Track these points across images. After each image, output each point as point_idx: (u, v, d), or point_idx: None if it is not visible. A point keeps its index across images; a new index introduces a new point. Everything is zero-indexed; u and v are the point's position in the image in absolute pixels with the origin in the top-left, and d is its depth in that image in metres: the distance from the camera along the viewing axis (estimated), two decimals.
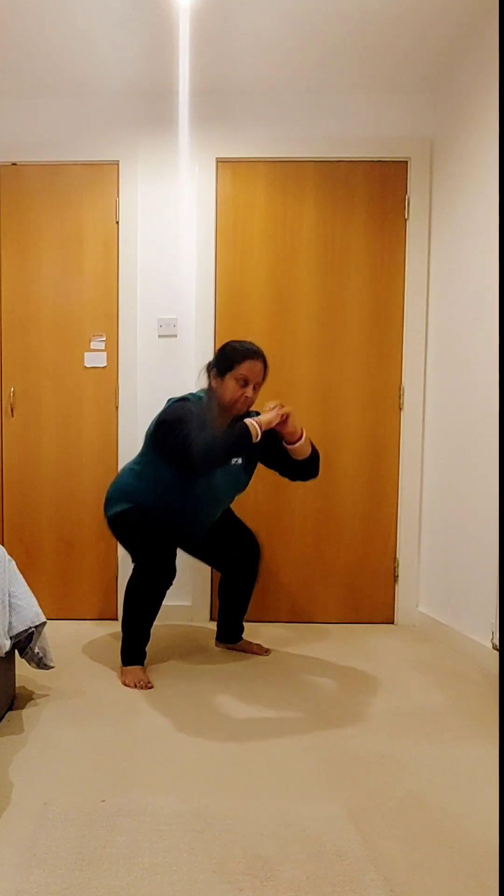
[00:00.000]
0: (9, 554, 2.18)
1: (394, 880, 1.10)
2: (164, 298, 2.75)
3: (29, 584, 1.85)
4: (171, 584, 2.06)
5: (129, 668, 2.05)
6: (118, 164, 2.72)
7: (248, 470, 2.17)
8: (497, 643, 2.11)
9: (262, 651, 2.32)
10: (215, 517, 2.21)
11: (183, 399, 2.10)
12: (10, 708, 1.81)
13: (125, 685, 1.99)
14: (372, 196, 2.72)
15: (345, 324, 2.74)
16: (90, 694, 1.93)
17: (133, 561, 2.09)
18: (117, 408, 2.76)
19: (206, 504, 2.12)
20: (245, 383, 2.01)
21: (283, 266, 2.74)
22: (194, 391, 2.18)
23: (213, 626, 2.66)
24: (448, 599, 2.49)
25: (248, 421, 1.92)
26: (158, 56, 2.46)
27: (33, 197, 2.75)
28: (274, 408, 1.96)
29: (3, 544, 2.78)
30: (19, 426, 2.79)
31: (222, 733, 1.67)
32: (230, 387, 2.02)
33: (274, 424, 1.94)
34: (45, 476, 2.79)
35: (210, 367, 2.11)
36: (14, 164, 2.74)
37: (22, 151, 2.73)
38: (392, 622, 2.77)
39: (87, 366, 2.76)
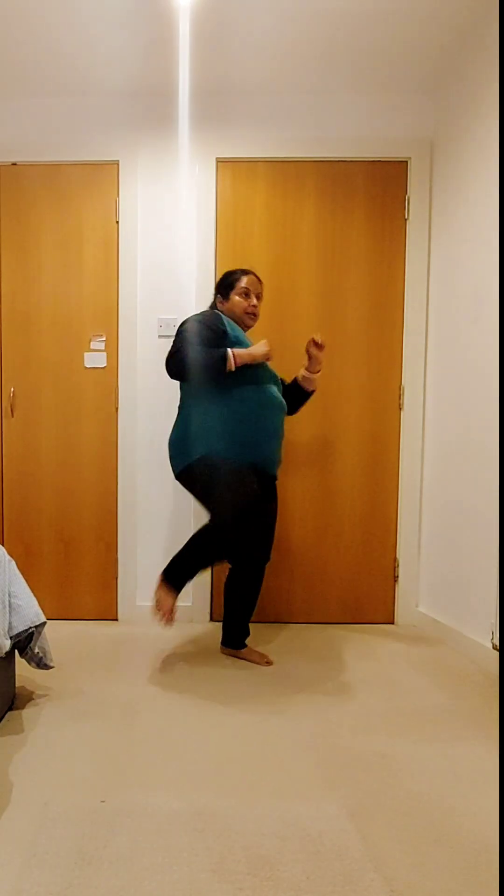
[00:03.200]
0: (9, 554, 2.18)
1: (394, 880, 1.10)
2: (164, 298, 2.75)
3: (29, 584, 1.85)
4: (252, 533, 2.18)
5: (169, 591, 2.06)
6: (118, 164, 2.72)
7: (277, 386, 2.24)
8: (497, 643, 2.11)
9: (262, 661, 2.24)
10: (279, 432, 2.18)
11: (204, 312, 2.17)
12: (10, 708, 1.81)
13: (154, 607, 2.06)
14: (372, 196, 2.72)
15: (345, 324, 2.74)
16: (90, 694, 1.93)
17: (210, 511, 2.07)
18: (117, 408, 2.76)
19: (269, 411, 2.13)
20: (248, 294, 2.20)
21: (283, 266, 2.74)
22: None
23: (213, 626, 2.67)
24: (448, 599, 2.49)
25: (230, 350, 2.03)
26: (158, 56, 2.46)
27: (33, 197, 2.75)
28: (265, 345, 2.07)
29: (3, 544, 2.78)
30: (19, 426, 2.79)
31: (222, 733, 1.67)
32: (237, 301, 2.21)
33: (257, 359, 2.05)
34: (45, 476, 2.79)
35: (215, 297, 2.27)
36: (14, 164, 2.74)
37: (22, 151, 2.73)
38: (392, 622, 2.77)
39: (87, 366, 2.76)
